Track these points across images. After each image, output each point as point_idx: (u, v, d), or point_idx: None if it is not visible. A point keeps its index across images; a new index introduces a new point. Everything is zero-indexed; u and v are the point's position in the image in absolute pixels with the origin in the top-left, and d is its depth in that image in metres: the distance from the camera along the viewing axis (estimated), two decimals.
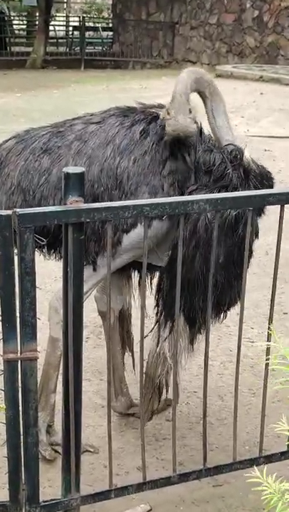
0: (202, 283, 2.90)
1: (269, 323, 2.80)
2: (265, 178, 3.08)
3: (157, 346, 3.14)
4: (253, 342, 4.45)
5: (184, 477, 2.81)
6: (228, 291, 3.02)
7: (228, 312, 3.22)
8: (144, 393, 3.31)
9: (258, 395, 3.50)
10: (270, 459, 2.90)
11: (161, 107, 3.23)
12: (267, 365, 2.79)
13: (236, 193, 2.76)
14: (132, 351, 3.78)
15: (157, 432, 3.57)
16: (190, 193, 2.94)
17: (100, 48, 26.57)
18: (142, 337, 2.58)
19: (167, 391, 3.31)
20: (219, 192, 2.92)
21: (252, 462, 2.86)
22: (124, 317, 3.67)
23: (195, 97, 3.15)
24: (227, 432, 3.47)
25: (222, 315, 3.18)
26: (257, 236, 3.13)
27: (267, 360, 2.68)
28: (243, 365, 3.85)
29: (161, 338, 3.11)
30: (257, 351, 4.27)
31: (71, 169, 2.27)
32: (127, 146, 3.00)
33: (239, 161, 3.02)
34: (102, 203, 2.36)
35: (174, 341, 2.91)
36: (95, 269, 3.09)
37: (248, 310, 4.92)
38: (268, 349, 2.77)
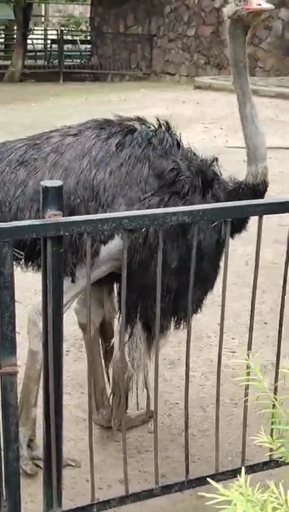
0: (155, 289, 2.95)
1: (250, 334, 2.81)
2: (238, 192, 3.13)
3: (115, 353, 3.20)
4: (234, 352, 4.46)
5: (167, 489, 2.80)
6: (183, 297, 3.02)
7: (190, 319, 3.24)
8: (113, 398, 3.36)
9: (240, 405, 3.50)
10: (252, 469, 2.90)
11: (138, 119, 3.25)
12: (248, 373, 2.80)
13: (215, 204, 2.78)
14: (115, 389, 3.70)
15: (139, 444, 3.57)
16: (144, 200, 2.97)
17: (79, 60, 26.69)
18: (123, 350, 2.58)
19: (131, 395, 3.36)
20: (170, 198, 2.96)
21: (234, 473, 2.86)
22: (105, 329, 3.66)
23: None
24: (209, 443, 3.46)
25: (181, 322, 3.19)
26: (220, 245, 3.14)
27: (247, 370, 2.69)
28: (225, 376, 3.85)
29: (122, 343, 3.14)
30: (238, 361, 4.28)
31: (49, 183, 2.27)
32: (103, 158, 3.02)
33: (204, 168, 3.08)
34: (81, 216, 2.36)
35: (133, 346, 2.97)
36: (73, 281, 3.09)
37: (229, 320, 4.94)
38: (248, 362, 2.77)
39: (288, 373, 2.19)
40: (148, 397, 3.48)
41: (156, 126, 3.20)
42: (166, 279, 2.94)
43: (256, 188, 3.13)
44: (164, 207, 2.92)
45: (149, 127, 3.19)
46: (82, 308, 3.53)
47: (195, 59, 23.46)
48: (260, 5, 3.02)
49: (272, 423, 1.99)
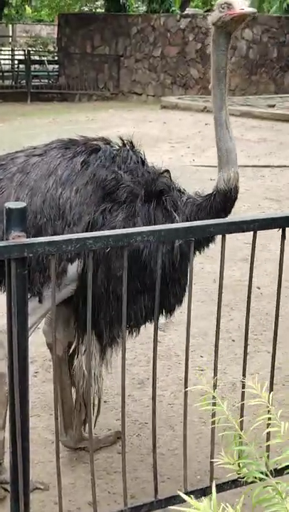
0: (106, 299, 3.02)
1: (216, 352, 2.82)
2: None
3: (78, 360, 3.24)
4: (202, 370, 4.47)
5: (136, 510, 2.79)
6: (132, 305, 3.07)
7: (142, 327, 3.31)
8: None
9: (209, 423, 3.50)
10: (221, 487, 2.90)
11: (102, 139, 3.27)
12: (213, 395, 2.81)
13: (178, 224, 2.80)
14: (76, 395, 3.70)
15: (108, 465, 3.54)
16: (95, 213, 3.00)
17: (46, 80, 26.71)
18: (90, 370, 2.57)
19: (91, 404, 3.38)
20: (112, 207, 3.00)
21: (203, 492, 2.86)
22: (75, 349, 3.64)
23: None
24: (178, 462, 3.45)
25: (133, 330, 3.25)
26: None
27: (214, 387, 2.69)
28: (193, 395, 3.85)
29: (80, 352, 3.20)
30: (207, 380, 4.29)
31: (13, 204, 2.27)
32: (68, 177, 3.04)
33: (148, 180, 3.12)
34: (45, 238, 2.35)
35: (88, 356, 3.01)
36: (40, 301, 3.08)
37: (197, 339, 4.96)
38: (215, 378, 2.79)
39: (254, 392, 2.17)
40: (99, 404, 3.51)
41: (120, 145, 3.22)
42: (113, 287, 3.00)
43: (228, 195, 3.16)
44: (104, 218, 2.99)
45: (113, 146, 3.21)
46: (50, 328, 3.51)
47: (161, 79, 23.70)
48: (243, 9, 3.06)
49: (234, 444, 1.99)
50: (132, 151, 3.21)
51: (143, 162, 3.21)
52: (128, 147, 3.23)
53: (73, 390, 3.56)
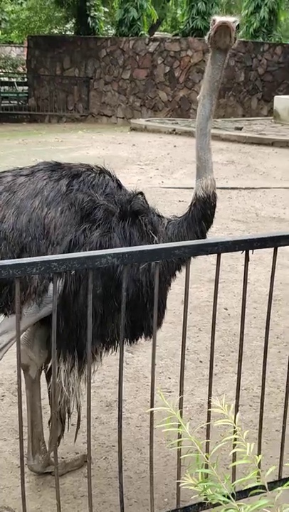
0: (84, 316, 3.02)
1: (181, 373, 2.82)
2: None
3: (57, 377, 3.21)
4: (170, 392, 4.47)
5: None
6: (110, 322, 3.12)
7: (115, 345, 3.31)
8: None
9: (177, 444, 3.49)
10: (188, 510, 2.89)
11: (84, 166, 3.34)
12: (181, 413, 2.81)
13: (142, 246, 2.82)
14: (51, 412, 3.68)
15: (75, 489, 3.51)
16: (76, 232, 3.06)
17: (16, 102, 26.71)
18: (54, 392, 2.56)
19: (68, 419, 3.45)
20: (91, 226, 3.06)
21: None
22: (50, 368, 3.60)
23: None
24: (146, 485, 3.44)
25: (109, 347, 3.27)
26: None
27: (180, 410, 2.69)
28: (161, 416, 3.86)
29: (61, 370, 3.21)
30: (175, 401, 4.29)
31: None
32: (54, 198, 3.10)
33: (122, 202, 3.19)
34: (9, 260, 2.34)
35: (68, 372, 3.09)
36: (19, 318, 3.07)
37: (165, 360, 4.97)
38: (181, 402, 2.79)
39: (220, 412, 2.17)
40: (78, 419, 3.50)
41: (99, 171, 3.30)
42: (93, 304, 3.01)
43: (207, 201, 3.23)
44: (85, 237, 3.05)
45: (93, 173, 3.27)
46: (26, 348, 3.49)
47: (131, 101, 23.89)
48: (220, 21, 3.10)
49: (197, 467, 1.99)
50: (110, 177, 3.29)
51: (120, 187, 3.27)
52: (106, 173, 3.31)
53: (42, 411, 3.53)
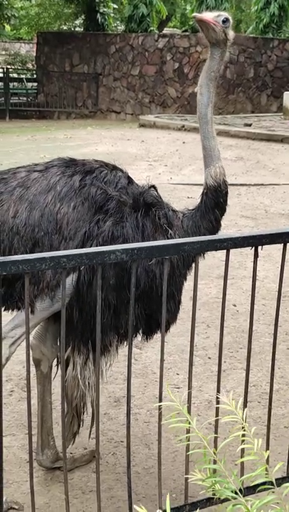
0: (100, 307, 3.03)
1: (190, 369, 2.82)
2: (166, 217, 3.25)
3: (73, 371, 3.24)
4: (178, 388, 4.47)
5: None
6: (124, 313, 3.12)
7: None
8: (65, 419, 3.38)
9: (185, 441, 3.50)
10: (195, 506, 2.89)
11: (97, 162, 3.35)
12: (189, 409, 2.81)
13: (151, 242, 2.82)
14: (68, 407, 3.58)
15: (84, 484, 3.52)
16: (90, 225, 3.08)
17: (25, 98, 26.74)
18: (63, 387, 2.56)
19: (83, 414, 3.45)
20: (104, 217, 3.07)
21: (178, 510, 2.85)
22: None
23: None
24: (154, 480, 3.45)
25: (124, 339, 3.26)
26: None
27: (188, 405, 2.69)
28: (169, 412, 3.86)
29: (77, 363, 3.22)
30: (184, 397, 4.30)
31: None
32: (67, 193, 3.12)
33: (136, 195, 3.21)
34: (19, 256, 2.35)
35: (83, 365, 3.12)
36: (32, 312, 3.10)
37: (174, 356, 4.97)
38: (189, 397, 2.79)
39: (228, 408, 2.17)
40: (92, 414, 3.51)
41: (112, 167, 3.32)
42: (105, 295, 3.04)
43: (218, 189, 3.25)
44: (99, 228, 3.06)
45: (106, 169, 3.28)
46: (39, 343, 3.50)
47: (140, 97, 23.86)
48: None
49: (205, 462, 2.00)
50: (122, 173, 3.31)
51: (132, 183, 3.30)
52: (119, 170, 3.33)
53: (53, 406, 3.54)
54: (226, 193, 3.29)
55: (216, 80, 3.31)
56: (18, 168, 3.34)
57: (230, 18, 3.26)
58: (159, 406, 2.74)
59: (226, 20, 3.24)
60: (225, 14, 3.26)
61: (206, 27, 3.23)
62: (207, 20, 3.22)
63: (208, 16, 3.24)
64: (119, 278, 3.08)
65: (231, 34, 3.28)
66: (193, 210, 3.34)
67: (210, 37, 3.26)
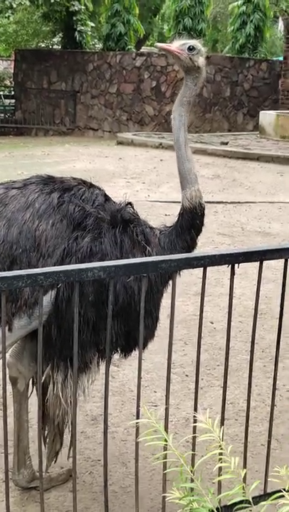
0: (79, 323, 3.02)
1: (167, 388, 2.82)
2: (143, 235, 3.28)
3: (54, 389, 3.22)
4: (156, 406, 4.46)
5: None
6: (103, 329, 3.10)
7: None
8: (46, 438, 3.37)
9: (162, 458, 3.48)
10: None
11: (75, 179, 3.37)
12: (166, 426, 2.81)
13: (129, 260, 2.83)
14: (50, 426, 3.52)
15: (60, 504, 3.48)
16: (68, 242, 3.08)
17: (3, 115, 26.72)
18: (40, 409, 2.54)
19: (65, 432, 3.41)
20: (82, 234, 3.08)
21: None
22: (45, 385, 3.54)
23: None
24: (131, 499, 3.42)
25: (104, 356, 3.23)
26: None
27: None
28: (147, 430, 3.84)
29: (57, 381, 3.20)
30: (161, 415, 4.28)
31: None
32: (45, 210, 3.12)
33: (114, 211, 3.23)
34: None
35: (65, 383, 3.09)
36: (10, 330, 3.07)
37: (151, 373, 4.96)
38: (167, 414, 2.79)
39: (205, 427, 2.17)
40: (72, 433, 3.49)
41: (89, 185, 3.34)
42: (84, 311, 3.03)
43: (194, 212, 3.28)
44: (77, 245, 3.07)
45: (83, 187, 3.29)
46: (16, 361, 3.48)
47: (117, 115, 23.98)
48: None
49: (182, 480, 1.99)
50: (99, 191, 3.33)
51: (109, 200, 3.33)
52: (96, 188, 3.35)
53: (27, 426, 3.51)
54: (202, 214, 3.31)
55: (188, 104, 3.35)
56: None
57: (197, 45, 3.29)
58: (136, 424, 2.74)
59: (192, 48, 3.28)
60: (191, 42, 3.30)
61: (172, 56, 3.30)
62: (169, 50, 3.29)
63: (173, 44, 3.30)
64: (99, 294, 3.08)
65: (201, 61, 3.31)
66: (170, 227, 3.37)
67: (178, 65, 3.34)
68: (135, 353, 3.53)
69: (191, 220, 3.28)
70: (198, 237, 3.34)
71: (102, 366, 3.20)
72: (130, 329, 3.21)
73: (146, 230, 3.30)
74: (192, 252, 3.34)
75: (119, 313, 3.11)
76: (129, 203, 3.35)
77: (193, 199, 3.27)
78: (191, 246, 3.33)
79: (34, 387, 3.59)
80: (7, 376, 3.30)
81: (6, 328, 3.06)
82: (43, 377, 3.20)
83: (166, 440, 2.02)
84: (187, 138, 3.34)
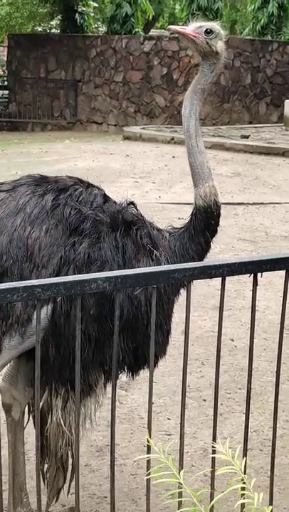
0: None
1: (182, 414, 2.81)
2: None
3: (53, 416, 3.22)
4: (169, 435, 4.45)
5: None
6: (108, 347, 3.12)
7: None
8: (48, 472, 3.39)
9: (176, 496, 3.47)
10: None
11: (71, 178, 3.37)
12: (181, 459, 2.80)
13: (137, 270, 2.82)
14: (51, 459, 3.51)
15: None
16: (65, 249, 3.08)
17: None
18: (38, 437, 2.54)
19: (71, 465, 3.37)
20: (79, 239, 3.09)
21: None
22: (43, 412, 3.54)
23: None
24: None
25: (110, 378, 3.23)
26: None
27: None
28: (159, 463, 3.83)
29: (57, 407, 3.20)
30: (175, 446, 4.27)
31: None
32: (38, 215, 3.12)
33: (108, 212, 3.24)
34: None
35: (67, 410, 3.11)
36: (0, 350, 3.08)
37: (164, 398, 4.96)
38: (181, 445, 2.78)
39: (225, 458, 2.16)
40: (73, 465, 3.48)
41: (86, 185, 3.34)
42: (85, 327, 3.04)
43: (209, 211, 3.27)
44: (75, 252, 3.08)
45: (80, 187, 3.30)
46: (9, 386, 3.47)
47: (124, 107, 24.05)
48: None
49: None
50: (98, 191, 3.34)
51: (108, 200, 3.33)
52: (95, 187, 3.36)
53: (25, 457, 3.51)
54: (218, 214, 3.31)
55: (202, 92, 3.36)
56: None
57: (215, 28, 3.31)
58: (148, 458, 2.73)
59: (210, 31, 3.29)
60: (208, 24, 3.32)
61: (187, 40, 3.32)
62: (184, 33, 3.31)
63: (187, 27, 3.32)
64: (100, 307, 3.08)
65: (220, 45, 3.33)
66: (180, 229, 3.37)
67: (194, 49, 3.34)
68: (145, 375, 3.53)
69: (206, 220, 3.28)
70: (213, 240, 3.34)
71: (108, 390, 3.20)
72: (138, 345, 3.21)
73: (153, 233, 3.29)
74: (206, 256, 3.34)
75: (124, 327, 3.11)
76: (131, 203, 3.35)
77: (208, 196, 3.26)
78: (205, 250, 3.34)
79: (31, 414, 3.59)
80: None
81: None
82: (41, 403, 3.19)
83: (176, 477, 2.01)
84: (199, 128, 3.35)
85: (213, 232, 3.33)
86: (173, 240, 3.32)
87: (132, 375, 3.40)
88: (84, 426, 3.30)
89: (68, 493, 3.56)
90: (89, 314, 3.04)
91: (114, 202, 3.35)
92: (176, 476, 2.02)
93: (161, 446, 2.11)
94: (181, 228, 3.36)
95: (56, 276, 3.00)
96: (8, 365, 3.39)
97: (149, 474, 2.76)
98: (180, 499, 2.17)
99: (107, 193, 3.40)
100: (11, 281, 2.96)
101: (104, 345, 3.13)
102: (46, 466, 3.46)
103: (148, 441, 2.72)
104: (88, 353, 3.10)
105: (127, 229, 3.23)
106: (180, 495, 2.58)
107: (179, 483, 2.03)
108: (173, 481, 2.02)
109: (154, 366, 3.23)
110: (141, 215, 3.35)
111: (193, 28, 3.31)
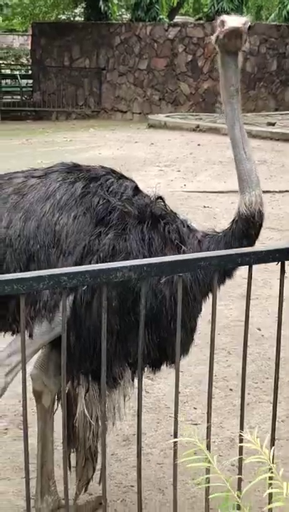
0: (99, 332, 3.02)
1: (209, 404, 2.80)
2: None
3: (78, 407, 3.24)
4: (196, 424, 4.45)
5: None
6: (132, 340, 3.11)
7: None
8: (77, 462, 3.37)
9: (204, 482, 3.47)
10: None
11: (103, 168, 3.37)
12: (209, 447, 2.80)
13: (162, 258, 2.81)
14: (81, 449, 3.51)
15: None
16: (90, 238, 3.09)
17: (19, 97, 26.93)
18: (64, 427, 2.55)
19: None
20: (105, 230, 3.10)
21: None
22: (70, 401, 3.45)
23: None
24: None
25: (135, 370, 3.23)
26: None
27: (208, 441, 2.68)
28: (186, 451, 3.83)
29: (79, 397, 3.21)
30: (202, 434, 4.27)
31: None
32: (67, 202, 3.14)
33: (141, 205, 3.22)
34: (13, 274, 2.37)
35: (92, 400, 3.12)
36: (30, 336, 3.09)
37: (190, 388, 4.96)
38: (209, 434, 2.78)
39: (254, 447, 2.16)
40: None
41: (119, 176, 3.34)
42: (107, 318, 3.02)
43: (251, 220, 3.21)
44: (99, 242, 3.08)
45: (112, 177, 3.31)
46: (41, 373, 3.49)
47: (148, 95, 23.99)
48: (232, 25, 3.07)
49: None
50: (130, 182, 3.33)
51: (139, 193, 3.32)
52: (127, 179, 3.36)
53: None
54: (260, 225, 3.24)
55: (238, 93, 3.23)
56: (16, 172, 3.36)
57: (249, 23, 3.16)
58: (174, 444, 2.73)
59: (250, 27, 3.16)
60: (248, 20, 3.15)
61: (236, 36, 3.08)
62: (243, 30, 3.07)
63: (234, 23, 3.07)
64: (123, 299, 3.08)
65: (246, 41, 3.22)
66: (219, 233, 3.32)
67: (232, 46, 3.13)
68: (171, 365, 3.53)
69: (246, 229, 3.22)
70: None
71: (135, 379, 3.20)
72: (160, 341, 3.20)
73: (182, 229, 3.27)
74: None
75: (148, 322, 3.09)
76: (160, 197, 3.33)
77: (253, 205, 3.19)
78: None
79: (59, 402, 3.61)
80: (27, 390, 3.32)
81: (27, 334, 3.07)
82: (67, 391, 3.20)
83: (209, 461, 2.01)
84: (245, 134, 3.25)
85: (252, 242, 3.27)
86: (207, 242, 3.28)
87: (154, 370, 3.39)
88: (112, 417, 3.30)
89: (98, 481, 3.58)
90: (111, 306, 3.03)
91: (146, 195, 3.34)
92: (209, 460, 2.01)
93: (192, 431, 2.10)
94: (220, 233, 3.31)
95: (80, 264, 3.00)
96: (40, 352, 3.41)
97: (177, 461, 2.77)
98: (209, 485, 2.16)
99: None
100: (38, 267, 3.00)
101: (128, 339, 3.13)
102: (73, 455, 3.48)
103: (175, 429, 2.72)
104: (111, 345, 3.09)
105: (155, 222, 3.21)
106: (208, 482, 2.58)
107: (208, 468, 2.02)
108: (205, 465, 2.01)
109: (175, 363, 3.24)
110: (171, 210, 3.33)
111: (241, 24, 3.08)
